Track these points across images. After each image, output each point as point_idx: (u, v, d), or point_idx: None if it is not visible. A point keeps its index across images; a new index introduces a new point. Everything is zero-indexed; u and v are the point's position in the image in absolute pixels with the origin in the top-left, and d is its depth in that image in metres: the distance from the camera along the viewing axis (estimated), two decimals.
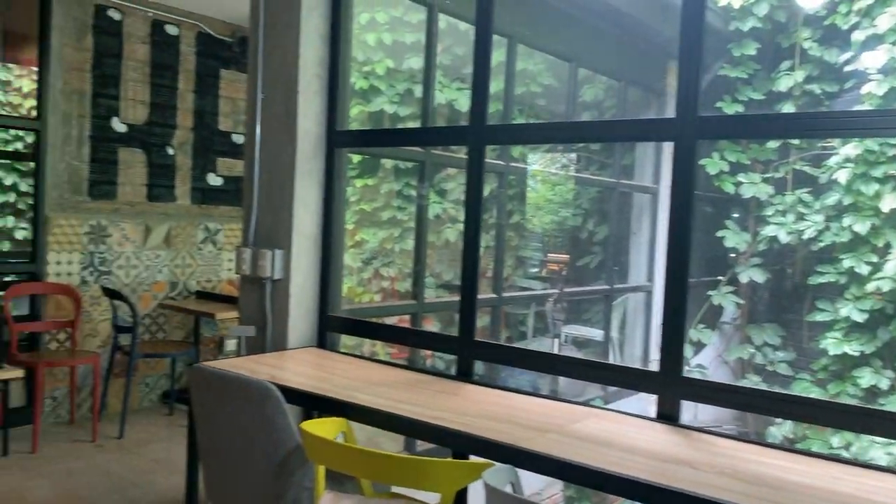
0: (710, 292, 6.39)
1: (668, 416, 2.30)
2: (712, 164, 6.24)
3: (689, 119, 2.28)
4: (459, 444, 2.12)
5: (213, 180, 5.39)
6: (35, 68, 5.82)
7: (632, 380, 2.49)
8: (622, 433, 2.17)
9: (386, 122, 6.42)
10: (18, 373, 4.01)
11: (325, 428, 2.23)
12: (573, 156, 8.09)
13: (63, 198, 4.60)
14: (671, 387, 2.30)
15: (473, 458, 2.08)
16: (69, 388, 4.61)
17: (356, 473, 2.14)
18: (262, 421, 2.31)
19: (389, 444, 3.80)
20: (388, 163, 6.74)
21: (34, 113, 4.60)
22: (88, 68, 4.65)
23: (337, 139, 3.32)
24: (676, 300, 2.30)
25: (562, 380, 5.13)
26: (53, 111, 4.51)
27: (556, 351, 6.05)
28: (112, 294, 4.52)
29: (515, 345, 5.02)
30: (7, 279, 4.65)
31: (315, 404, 2.54)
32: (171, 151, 5.11)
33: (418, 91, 6.32)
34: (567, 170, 8.20)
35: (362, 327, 3.31)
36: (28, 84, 6.84)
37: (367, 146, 3.61)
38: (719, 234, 6.24)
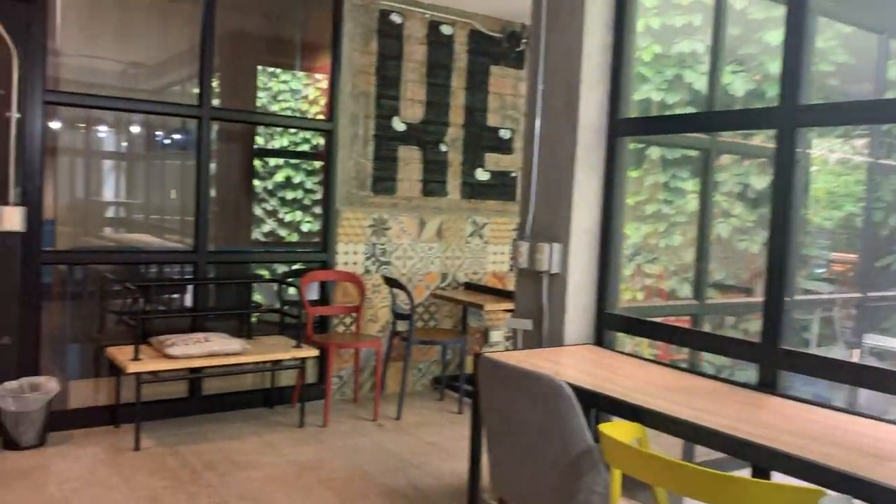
0: None
1: None
2: None
3: None
4: (784, 466, 1.87)
5: (481, 175, 5.51)
6: (322, 75, 6.41)
7: None
8: None
9: (653, 110, 6.13)
10: (313, 352, 4.41)
11: (621, 432, 2.11)
12: (862, 141, 7.13)
13: (350, 193, 4.97)
14: None
15: (785, 480, 1.84)
16: (354, 368, 4.98)
17: (660, 484, 1.99)
18: (553, 419, 2.25)
19: (657, 449, 3.58)
20: (653, 153, 6.44)
21: (319, 117, 5.02)
22: (373, 71, 4.97)
23: (619, 128, 3.18)
24: None
25: (862, 395, 4.52)
26: (343, 112, 4.89)
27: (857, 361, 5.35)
28: (392, 283, 4.80)
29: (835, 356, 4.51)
30: (297, 267, 5.14)
31: (600, 405, 2.44)
32: (443, 148, 5.31)
33: (689, 76, 5.96)
34: (860, 156, 7.25)
35: (643, 326, 3.14)
36: (313, 91, 7.56)
37: (650, 133, 3.42)
38: None
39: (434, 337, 4.82)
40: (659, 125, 3.49)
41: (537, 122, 3.36)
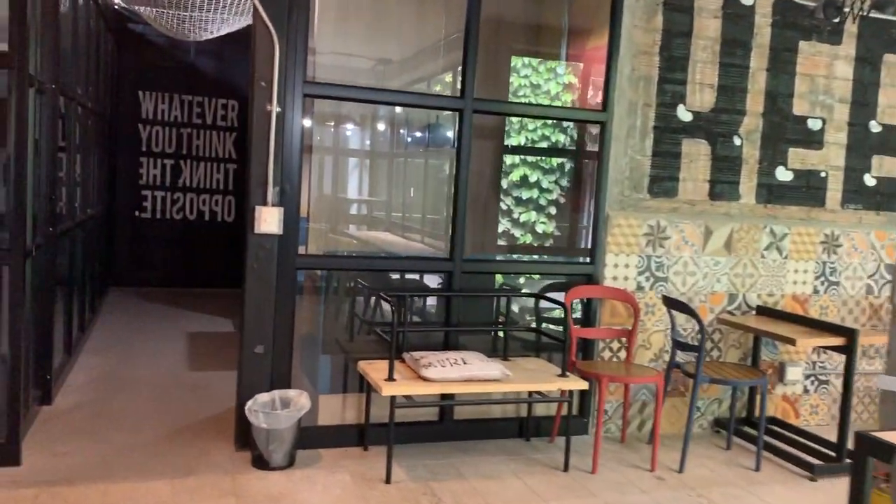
0: None
1: None
2: None
3: None
4: None
5: (782, 175, 4.51)
6: (578, 63, 5.73)
7: None
8: None
9: None
10: (581, 384, 3.75)
11: None
12: None
13: (623, 195, 4.24)
14: None
15: None
16: (622, 402, 4.25)
17: None
18: None
19: None
20: None
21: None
22: (656, 51, 4.19)
23: None
24: None
25: None
26: (619, 101, 4.17)
27: None
28: (673, 304, 4.00)
29: None
30: (557, 280, 4.49)
31: None
32: (737, 142, 4.39)
33: None
34: None
35: None
36: (567, 80, 6.88)
37: None
38: None
39: (727, 375, 3.94)
40: None
41: None
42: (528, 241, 7.11)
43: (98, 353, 5.38)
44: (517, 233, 7.61)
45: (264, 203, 3.63)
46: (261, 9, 3.53)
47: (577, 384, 3.70)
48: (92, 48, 5.98)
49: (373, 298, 4.35)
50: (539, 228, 7.43)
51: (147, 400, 4.44)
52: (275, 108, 3.60)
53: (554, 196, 6.16)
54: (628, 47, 4.15)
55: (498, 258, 5.20)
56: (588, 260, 4.30)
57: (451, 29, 5.24)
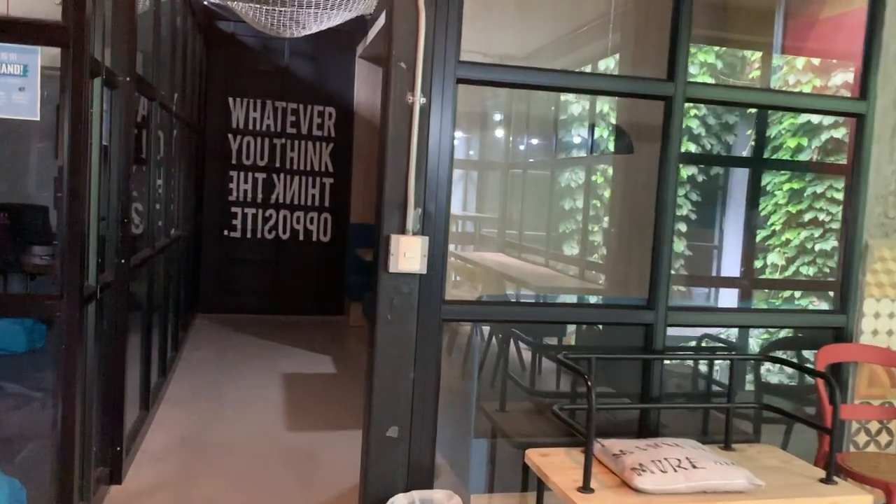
0: None
1: None
2: None
3: None
4: None
5: None
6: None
7: None
8: None
9: None
10: (865, 499, 2.55)
11: None
12: None
13: (888, 217, 3.03)
14: None
15: None
16: None
17: None
18: None
19: None
20: None
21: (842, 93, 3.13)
22: None
23: None
24: None
25: None
26: (884, 88, 2.97)
27: None
28: None
29: None
30: (786, 334, 3.30)
31: None
32: None
33: None
34: None
35: None
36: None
37: None
38: None
39: None
40: None
41: None
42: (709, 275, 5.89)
43: (180, 405, 4.50)
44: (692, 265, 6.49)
45: (402, 231, 2.61)
46: None
47: (859, 499, 2.51)
48: (178, 46, 5.16)
49: (525, 351, 3.29)
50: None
51: (240, 478, 3.49)
52: (418, 99, 2.58)
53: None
54: None
55: (716, 307, 3.99)
56: (836, 307, 3.09)
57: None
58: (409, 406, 2.68)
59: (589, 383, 2.41)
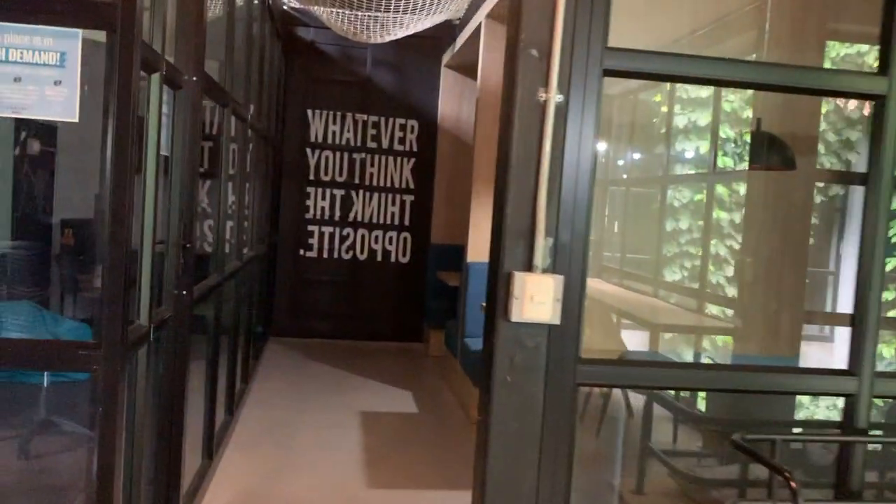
0: None
1: None
2: None
3: None
4: None
5: None
6: None
7: None
8: None
9: None
10: None
11: None
12: None
13: None
14: None
15: None
16: None
17: None
18: None
19: None
20: None
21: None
22: None
23: None
24: None
25: None
26: None
27: None
28: None
29: None
30: None
31: None
32: None
33: None
34: None
35: None
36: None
37: None
38: None
39: None
40: None
41: None
42: None
43: (247, 450, 4.00)
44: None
45: (528, 267, 2.00)
46: None
47: None
48: (255, 53, 4.73)
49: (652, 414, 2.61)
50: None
51: None
52: (553, 97, 1.98)
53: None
54: None
55: None
56: None
57: None
58: (534, 493, 2.06)
59: (793, 485, 1.74)
